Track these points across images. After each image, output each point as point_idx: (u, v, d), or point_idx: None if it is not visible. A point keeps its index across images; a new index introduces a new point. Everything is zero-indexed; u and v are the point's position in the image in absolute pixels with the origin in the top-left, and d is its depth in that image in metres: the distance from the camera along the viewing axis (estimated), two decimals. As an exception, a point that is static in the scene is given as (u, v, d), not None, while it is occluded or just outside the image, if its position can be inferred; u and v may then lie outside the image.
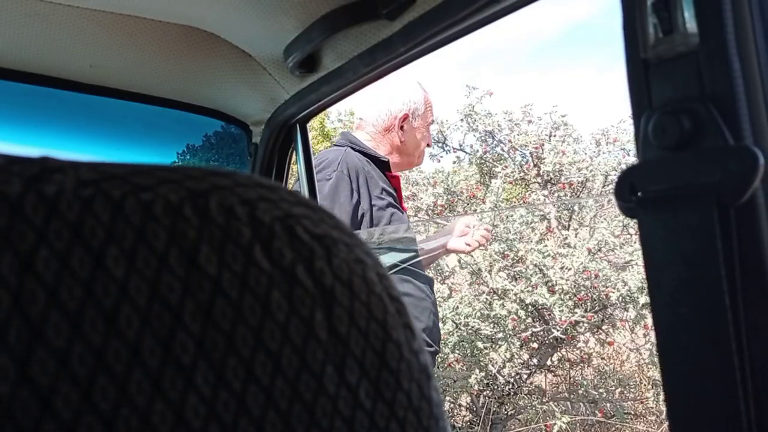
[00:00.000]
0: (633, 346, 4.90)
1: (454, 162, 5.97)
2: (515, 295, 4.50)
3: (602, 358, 5.29)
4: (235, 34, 1.23)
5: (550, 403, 4.84)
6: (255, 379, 0.23)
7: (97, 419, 0.21)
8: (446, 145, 5.71)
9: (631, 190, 0.58)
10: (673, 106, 0.55)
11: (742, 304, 0.51)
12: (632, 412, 4.84)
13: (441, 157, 5.81)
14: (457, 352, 4.53)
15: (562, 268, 4.48)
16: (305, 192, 1.50)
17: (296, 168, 1.53)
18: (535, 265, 4.56)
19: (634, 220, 0.59)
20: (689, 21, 0.55)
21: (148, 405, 0.21)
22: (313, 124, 8.11)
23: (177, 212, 0.24)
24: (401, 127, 2.14)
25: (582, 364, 5.08)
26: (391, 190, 2.07)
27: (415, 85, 2.20)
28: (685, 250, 0.53)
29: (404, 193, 5.42)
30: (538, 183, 5.47)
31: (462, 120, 5.55)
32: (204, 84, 1.43)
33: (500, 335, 4.47)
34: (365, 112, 2.20)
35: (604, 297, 4.39)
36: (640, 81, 0.59)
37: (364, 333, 0.26)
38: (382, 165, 2.10)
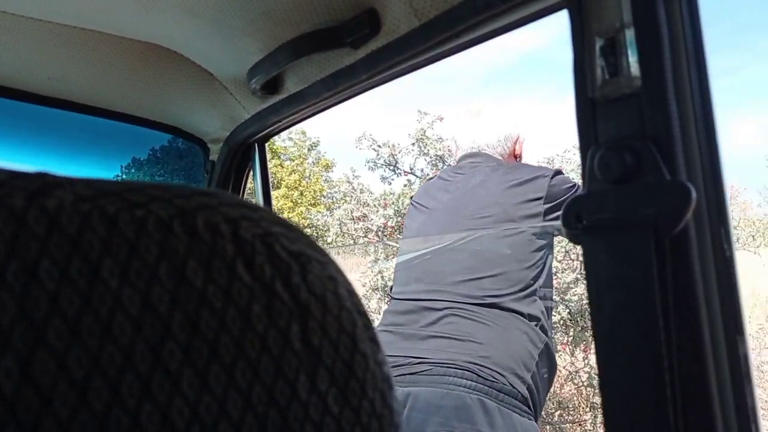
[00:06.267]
0: (572, 368, 4.99)
1: (405, 185, 6.02)
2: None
3: (542, 381, 5.35)
4: (198, 54, 1.23)
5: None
6: (235, 385, 0.25)
7: (91, 418, 0.22)
8: (397, 168, 5.75)
9: (577, 219, 0.62)
10: (617, 143, 0.59)
11: (674, 326, 0.55)
12: (571, 435, 4.92)
13: (392, 179, 5.86)
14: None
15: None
16: None
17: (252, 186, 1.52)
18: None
19: (577, 247, 0.62)
20: (633, 65, 0.59)
21: (138, 406, 0.23)
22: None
23: (168, 228, 0.25)
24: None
25: (523, 387, 5.13)
26: None
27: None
28: (624, 275, 0.57)
29: (355, 214, 5.43)
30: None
31: (413, 144, 5.61)
32: (163, 101, 1.42)
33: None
34: (480, 141, 1.98)
35: (547, 320, 4.47)
36: (588, 118, 0.62)
37: (334, 344, 0.28)
38: None
